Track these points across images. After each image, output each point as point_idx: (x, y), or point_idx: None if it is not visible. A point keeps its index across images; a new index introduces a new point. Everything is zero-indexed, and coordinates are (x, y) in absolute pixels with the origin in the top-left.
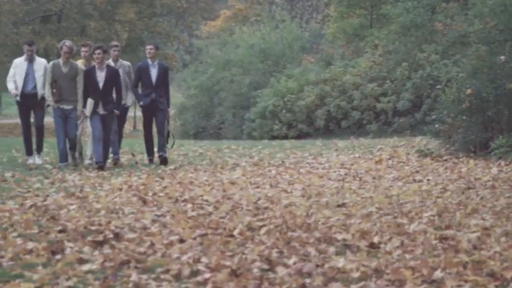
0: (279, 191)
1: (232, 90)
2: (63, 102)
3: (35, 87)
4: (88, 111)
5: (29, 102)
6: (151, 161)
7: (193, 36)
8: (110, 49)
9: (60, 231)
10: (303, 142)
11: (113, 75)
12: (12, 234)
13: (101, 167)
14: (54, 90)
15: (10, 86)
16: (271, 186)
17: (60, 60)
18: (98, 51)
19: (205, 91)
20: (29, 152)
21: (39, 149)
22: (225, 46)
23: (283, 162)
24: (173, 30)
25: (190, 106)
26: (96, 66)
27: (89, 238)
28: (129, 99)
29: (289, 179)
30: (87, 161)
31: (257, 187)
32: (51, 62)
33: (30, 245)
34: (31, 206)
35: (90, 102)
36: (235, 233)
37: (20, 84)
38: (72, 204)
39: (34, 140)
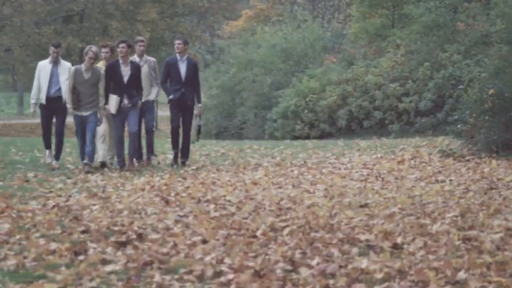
0: (302, 192)
1: (254, 90)
2: (82, 108)
3: (59, 90)
4: (113, 108)
5: (53, 106)
6: (176, 154)
7: (215, 36)
8: (135, 44)
9: (83, 232)
10: (325, 142)
11: (137, 70)
12: (35, 234)
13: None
14: (73, 96)
15: (31, 100)
16: (293, 186)
17: (83, 66)
18: (122, 45)
19: (227, 91)
20: (48, 146)
21: (57, 156)
22: (246, 46)
23: (305, 162)
24: (195, 30)
25: (212, 106)
26: (120, 61)
27: (112, 239)
28: (152, 93)
29: (311, 179)
30: (107, 160)
31: (279, 187)
32: (73, 68)
33: (53, 245)
34: (54, 207)
35: (114, 98)
36: (258, 233)
37: (45, 87)
38: (94, 205)
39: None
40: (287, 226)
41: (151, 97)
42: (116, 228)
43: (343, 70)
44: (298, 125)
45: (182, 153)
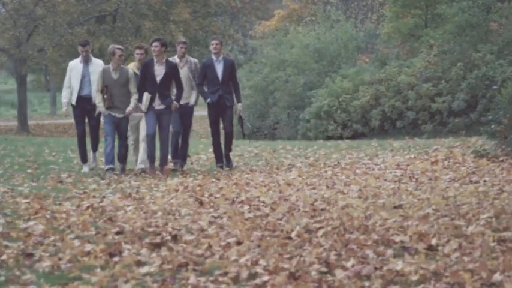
0: (336, 192)
1: (287, 91)
2: (115, 109)
3: (91, 90)
4: (144, 105)
5: (85, 106)
6: (221, 167)
7: (247, 36)
8: (177, 45)
9: (118, 233)
10: (358, 142)
11: (172, 70)
12: (69, 235)
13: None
14: (105, 96)
15: (63, 98)
16: (327, 187)
17: (111, 66)
18: (155, 43)
19: (260, 91)
20: (84, 159)
21: (95, 148)
22: (279, 46)
23: (338, 163)
24: (228, 30)
25: (245, 106)
26: (155, 60)
27: (147, 240)
28: (192, 97)
29: (345, 179)
30: (139, 166)
31: (313, 188)
32: (101, 68)
33: (88, 246)
34: (88, 208)
35: (146, 96)
36: (292, 235)
37: (76, 87)
38: (128, 206)
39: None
40: (321, 227)
41: (191, 101)
42: (150, 230)
43: (376, 70)
44: (331, 125)
45: (225, 147)
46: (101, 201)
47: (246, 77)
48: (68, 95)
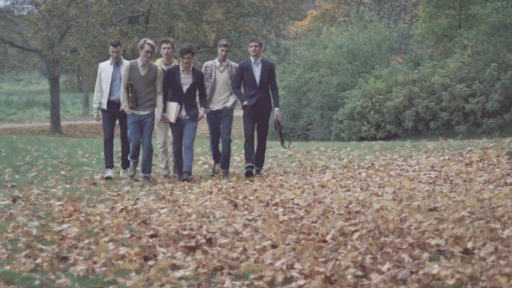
0: (370, 194)
1: (320, 91)
2: (139, 107)
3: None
4: (172, 116)
5: (115, 110)
6: (250, 167)
7: (280, 36)
8: (218, 48)
9: (152, 236)
10: (392, 143)
11: (198, 78)
12: (103, 239)
13: (186, 179)
14: (130, 95)
15: (94, 104)
16: (361, 189)
17: (139, 61)
18: (187, 55)
19: (293, 92)
20: (109, 164)
21: (125, 164)
22: (312, 47)
23: (372, 164)
24: (260, 30)
25: None
26: (181, 68)
27: (181, 243)
28: (230, 100)
29: (379, 181)
30: (163, 172)
31: (347, 190)
32: (128, 63)
33: (123, 250)
34: (122, 210)
35: (174, 106)
36: (327, 238)
37: (106, 90)
38: (162, 208)
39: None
40: (357, 230)
41: (229, 104)
42: (184, 233)
43: (409, 71)
44: (365, 126)
45: (257, 161)
46: (134, 204)
47: (279, 78)
48: (98, 99)
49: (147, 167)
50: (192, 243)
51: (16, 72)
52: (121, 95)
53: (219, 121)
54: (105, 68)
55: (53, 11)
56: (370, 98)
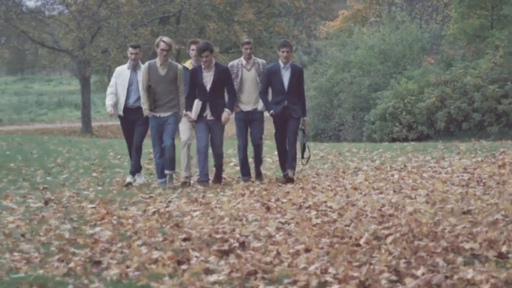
0: (403, 197)
1: (351, 92)
2: (159, 109)
3: (138, 99)
4: (194, 114)
5: (132, 117)
6: (285, 176)
7: (311, 37)
8: (241, 47)
9: (185, 239)
10: (424, 144)
11: (222, 74)
12: (136, 242)
13: (204, 184)
14: (150, 96)
15: (108, 101)
16: (394, 191)
17: (157, 61)
18: (205, 53)
19: (324, 93)
20: (134, 172)
21: (133, 171)
22: (344, 47)
23: (405, 166)
24: (292, 30)
25: (310, 108)
26: (202, 66)
27: (214, 247)
28: (261, 103)
29: (412, 184)
30: (183, 177)
31: (380, 192)
32: (146, 63)
33: (156, 254)
34: (154, 213)
35: (197, 103)
36: (361, 242)
37: (123, 96)
38: (195, 211)
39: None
40: (390, 234)
41: (260, 107)
42: (217, 236)
43: (441, 71)
44: (396, 126)
45: (288, 165)
46: (167, 206)
47: (311, 79)
48: (112, 100)
49: (171, 164)
50: (225, 247)
51: (47, 73)
52: (141, 97)
53: (249, 123)
54: (122, 72)
55: (83, 11)
56: (402, 99)
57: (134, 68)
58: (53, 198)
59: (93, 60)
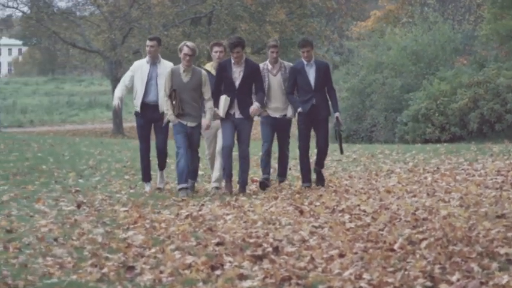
0: (437, 200)
1: (384, 93)
2: (186, 117)
3: (157, 95)
4: (222, 110)
5: (150, 114)
6: (308, 187)
7: (343, 37)
8: (267, 50)
9: (218, 244)
10: (457, 146)
11: (253, 71)
12: (170, 246)
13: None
14: (174, 102)
15: (116, 92)
16: (428, 194)
17: (181, 66)
18: (236, 49)
19: (356, 94)
20: (146, 178)
21: (162, 165)
22: (376, 48)
23: (438, 168)
24: (324, 31)
25: (342, 109)
26: (232, 61)
27: (248, 252)
28: (290, 109)
29: (445, 186)
30: (213, 184)
31: (414, 196)
32: (169, 69)
33: (189, 259)
34: (187, 216)
35: (224, 99)
36: (395, 247)
37: (140, 91)
38: (228, 214)
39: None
40: (424, 239)
41: (289, 113)
42: (251, 240)
43: (474, 72)
44: (429, 128)
45: (316, 162)
46: (199, 210)
47: (343, 79)
48: (121, 92)
49: (194, 174)
50: (259, 251)
51: (78, 73)
52: (163, 103)
53: (275, 130)
54: (141, 66)
55: (115, 12)
56: (434, 100)
57: (154, 62)
58: (85, 201)
59: (124, 61)
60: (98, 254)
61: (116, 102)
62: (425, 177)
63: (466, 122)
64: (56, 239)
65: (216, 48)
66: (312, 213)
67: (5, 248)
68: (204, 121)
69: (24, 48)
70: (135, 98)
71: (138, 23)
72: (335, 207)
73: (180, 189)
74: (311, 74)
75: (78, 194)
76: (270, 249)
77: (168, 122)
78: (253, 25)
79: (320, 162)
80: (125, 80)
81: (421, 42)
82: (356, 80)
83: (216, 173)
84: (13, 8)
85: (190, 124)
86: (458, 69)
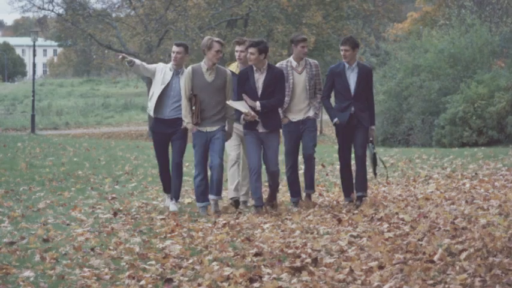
0: (476, 208)
1: (421, 96)
2: (206, 123)
3: (178, 108)
4: (246, 108)
5: (169, 129)
6: (351, 202)
7: (380, 39)
8: (293, 46)
9: (256, 255)
10: (495, 150)
11: (276, 77)
12: (207, 257)
13: (258, 210)
14: (194, 108)
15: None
16: (466, 202)
17: (203, 65)
18: (251, 50)
19: (393, 97)
20: (167, 188)
21: (176, 195)
22: (413, 50)
23: (476, 174)
24: (360, 33)
25: (379, 112)
26: (254, 68)
27: (286, 263)
28: (311, 109)
29: (484, 193)
30: (241, 198)
31: (452, 203)
32: (190, 67)
33: (227, 270)
34: (224, 225)
35: (240, 104)
36: (435, 258)
37: (157, 94)
38: (265, 223)
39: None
40: (464, 250)
41: (311, 114)
42: (289, 251)
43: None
44: (466, 131)
45: (357, 185)
46: (237, 218)
47: (380, 82)
48: (139, 61)
49: (218, 188)
50: (298, 263)
51: (114, 76)
52: (182, 108)
53: (300, 134)
54: (164, 70)
55: (151, 14)
56: (472, 103)
57: (177, 72)
58: (121, 208)
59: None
60: (136, 265)
61: (187, 123)
62: (464, 184)
63: (503, 125)
64: (92, 249)
65: (237, 48)
66: (350, 221)
67: (42, 258)
68: (228, 130)
69: (59, 49)
70: (150, 100)
71: (174, 26)
72: (373, 215)
73: (200, 208)
74: (352, 78)
75: (115, 201)
76: (309, 260)
77: (186, 130)
78: (289, 27)
79: (361, 181)
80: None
81: (458, 45)
82: (393, 82)
83: (232, 182)
84: (48, 10)
85: (210, 129)
86: (495, 72)
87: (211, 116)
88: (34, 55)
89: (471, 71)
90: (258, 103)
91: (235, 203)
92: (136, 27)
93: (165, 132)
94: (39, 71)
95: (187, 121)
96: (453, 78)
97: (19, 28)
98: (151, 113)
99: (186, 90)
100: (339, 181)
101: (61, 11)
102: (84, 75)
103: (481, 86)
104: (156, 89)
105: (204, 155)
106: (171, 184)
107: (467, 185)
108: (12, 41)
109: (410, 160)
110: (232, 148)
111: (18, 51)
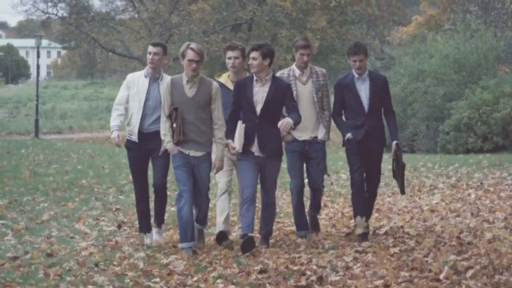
0: (481, 221)
1: (425, 102)
2: (189, 145)
3: (157, 120)
4: (238, 142)
5: (148, 145)
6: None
7: (384, 43)
8: (295, 51)
9: (261, 271)
10: (500, 157)
11: (281, 92)
12: (212, 274)
13: (251, 244)
14: (175, 125)
15: (113, 121)
16: (472, 214)
17: (184, 76)
18: (253, 54)
19: (398, 102)
20: (144, 228)
21: (159, 221)
22: (418, 56)
23: (481, 183)
24: (365, 38)
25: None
26: (254, 78)
27: (292, 281)
28: (320, 130)
29: (489, 205)
30: (218, 226)
31: (458, 215)
32: (169, 79)
33: None
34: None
35: (240, 127)
36: (441, 276)
37: (137, 114)
38: (270, 238)
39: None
40: (470, 267)
41: (320, 135)
42: (295, 268)
43: None
44: (471, 137)
45: (369, 200)
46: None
47: None
48: (118, 119)
49: (203, 219)
50: (303, 281)
51: (118, 79)
52: (161, 125)
53: (306, 157)
54: (137, 81)
55: (155, 19)
56: (477, 109)
57: (154, 77)
58: (125, 220)
59: (164, 68)
60: (140, 282)
61: (114, 135)
62: (469, 194)
63: (508, 131)
64: (96, 264)
65: (229, 53)
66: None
67: (46, 274)
68: (215, 160)
69: (63, 51)
70: (129, 124)
71: (178, 30)
72: (378, 229)
73: (187, 249)
74: (363, 91)
75: (119, 213)
76: (314, 278)
77: (166, 151)
78: (293, 31)
79: (370, 198)
80: (119, 101)
81: (463, 51)
82: (398, 88)
83: (221, 217)
84: (52, 14)
85: (194, 154)
86: (500, 78)
87: (194, 137)
88: (38, 56)
89: (476, 76)
90: (289, 120)
91: (221, 235)
92: (140, 31)
93: (143, 148)
94: (43, 73)
95: (167, 140)
96: (458, 84)
97: (23, 30)
98: (135, 138)
99: (164, 107)
100: (343, 191)
101: (65, 14)
102: (88, 77)
103: (486, 92)
104: (135, 109)
105: (187, 177)
106: (149, 217)
107: (473, 196)
108: (16, 42)
109: (415, 168)
110: (222, 174)
111: (22, 53)
